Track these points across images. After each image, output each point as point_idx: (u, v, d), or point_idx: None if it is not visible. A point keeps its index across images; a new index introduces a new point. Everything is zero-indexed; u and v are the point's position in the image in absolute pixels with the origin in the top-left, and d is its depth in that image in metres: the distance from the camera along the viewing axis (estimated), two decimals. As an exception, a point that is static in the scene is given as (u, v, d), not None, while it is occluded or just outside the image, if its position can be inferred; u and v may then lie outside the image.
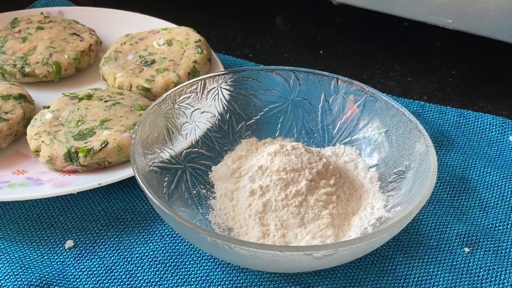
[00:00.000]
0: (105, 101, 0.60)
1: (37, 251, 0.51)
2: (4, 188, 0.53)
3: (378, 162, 0.55)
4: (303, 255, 0.43)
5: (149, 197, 0.45)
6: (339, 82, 0.57)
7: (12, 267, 0.49)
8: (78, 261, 0.50)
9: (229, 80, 0.58)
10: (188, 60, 0.66)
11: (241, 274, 0.49)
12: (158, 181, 0.51)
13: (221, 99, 0.58)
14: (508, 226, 0.54)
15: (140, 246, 0.52)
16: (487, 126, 0.64)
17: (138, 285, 0.49)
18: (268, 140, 0.57)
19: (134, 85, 0.64)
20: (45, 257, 0.51)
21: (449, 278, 0.49)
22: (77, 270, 0.50)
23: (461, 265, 0.50)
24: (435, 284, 0.49)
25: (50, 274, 0.49)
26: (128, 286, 0.49)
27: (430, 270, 0.50)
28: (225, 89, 0.58)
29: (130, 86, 0.64)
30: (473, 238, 0.53)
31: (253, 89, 0.58)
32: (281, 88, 0.58)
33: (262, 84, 0.58)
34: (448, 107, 0.67)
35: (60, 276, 0.49)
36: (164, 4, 0.86)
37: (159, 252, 0.51)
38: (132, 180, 0.57)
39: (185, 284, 0.49)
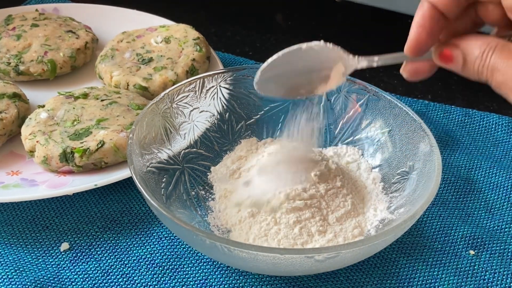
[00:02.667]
0: (102, 100, 0.60)
1: (32, 254, 0.51)
2: (-2, 189, 0.53)
3: (381, 162, 0.55)
4: (304, 257, 0.42)
5: (147, 198, 0.45)
6: (341, 80, 0.56)
7: (6, 270, 0.49)
8: (73, 264, 0.50)
9: (229, 78, 0.57)
10: (186, 58, 0.65)
11: (240, 277, 0.49)
12: (155, 182, 0.51)
13: (220, 98, 0.57)
14: (514, 228, 0.54)
15: (137, 248, 0.51)
16: (493, 126, 0.64)
17: (135, 289, 0.48)
18: (268, 140, 0.57)
19: (131, 83, 0.63)
20: (40, 260, 0.50)
21: (454, 281, 0.49)
22: (73, 273, 0.49)
23: (466, 268, 0.50)
24: (439, 287, 0.49)
25: (45, 277, 0.49)
26: (125, 290, 0.48)
27: (434, 273, 0.50)
28: (224, 87, 0.57)
29: (127, 85, 0.64)
30: (478, 240, 0.53)
31: (253, 88, 0.58)
32: (282, 87, 0.58)
33: (262, 82, 0.58)
34: (453, 106, 0.67)
35: (56, 279, 0.49)
36: (162, 0, 0.86)
37: (157, 254, 0.51)
38: (129, 181, 0.57)
39: (183, 287, 0.48)
